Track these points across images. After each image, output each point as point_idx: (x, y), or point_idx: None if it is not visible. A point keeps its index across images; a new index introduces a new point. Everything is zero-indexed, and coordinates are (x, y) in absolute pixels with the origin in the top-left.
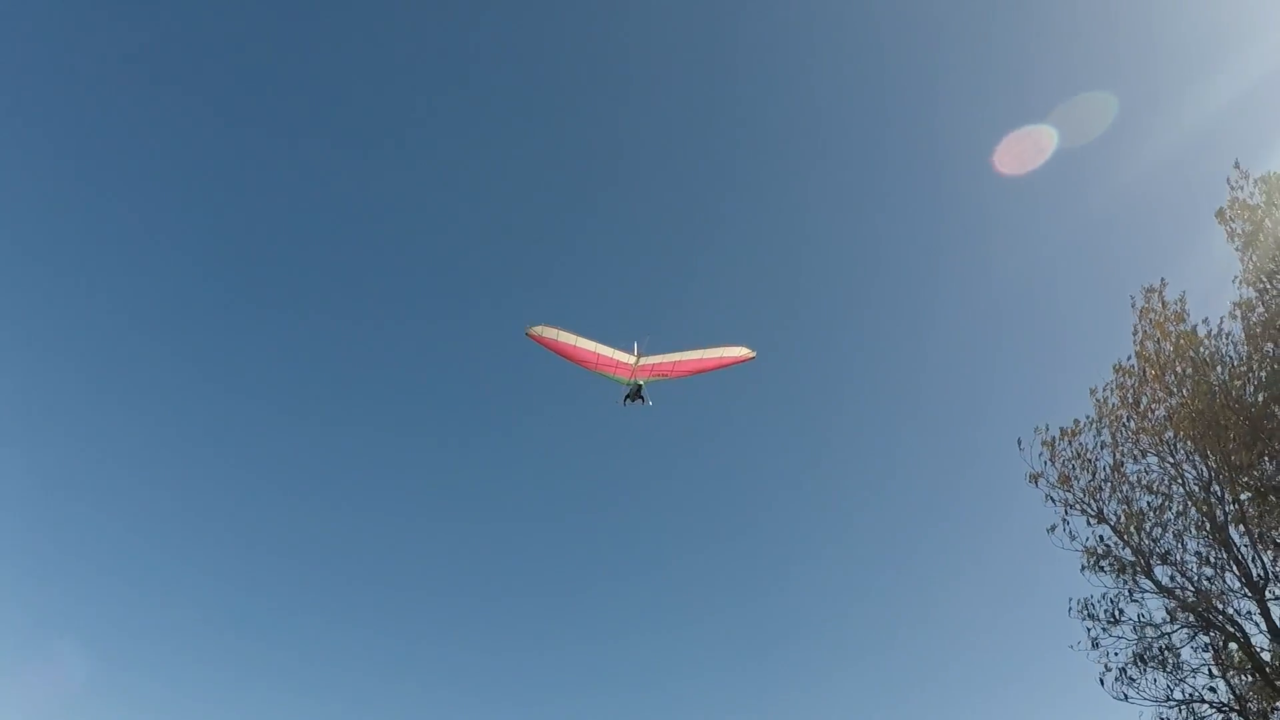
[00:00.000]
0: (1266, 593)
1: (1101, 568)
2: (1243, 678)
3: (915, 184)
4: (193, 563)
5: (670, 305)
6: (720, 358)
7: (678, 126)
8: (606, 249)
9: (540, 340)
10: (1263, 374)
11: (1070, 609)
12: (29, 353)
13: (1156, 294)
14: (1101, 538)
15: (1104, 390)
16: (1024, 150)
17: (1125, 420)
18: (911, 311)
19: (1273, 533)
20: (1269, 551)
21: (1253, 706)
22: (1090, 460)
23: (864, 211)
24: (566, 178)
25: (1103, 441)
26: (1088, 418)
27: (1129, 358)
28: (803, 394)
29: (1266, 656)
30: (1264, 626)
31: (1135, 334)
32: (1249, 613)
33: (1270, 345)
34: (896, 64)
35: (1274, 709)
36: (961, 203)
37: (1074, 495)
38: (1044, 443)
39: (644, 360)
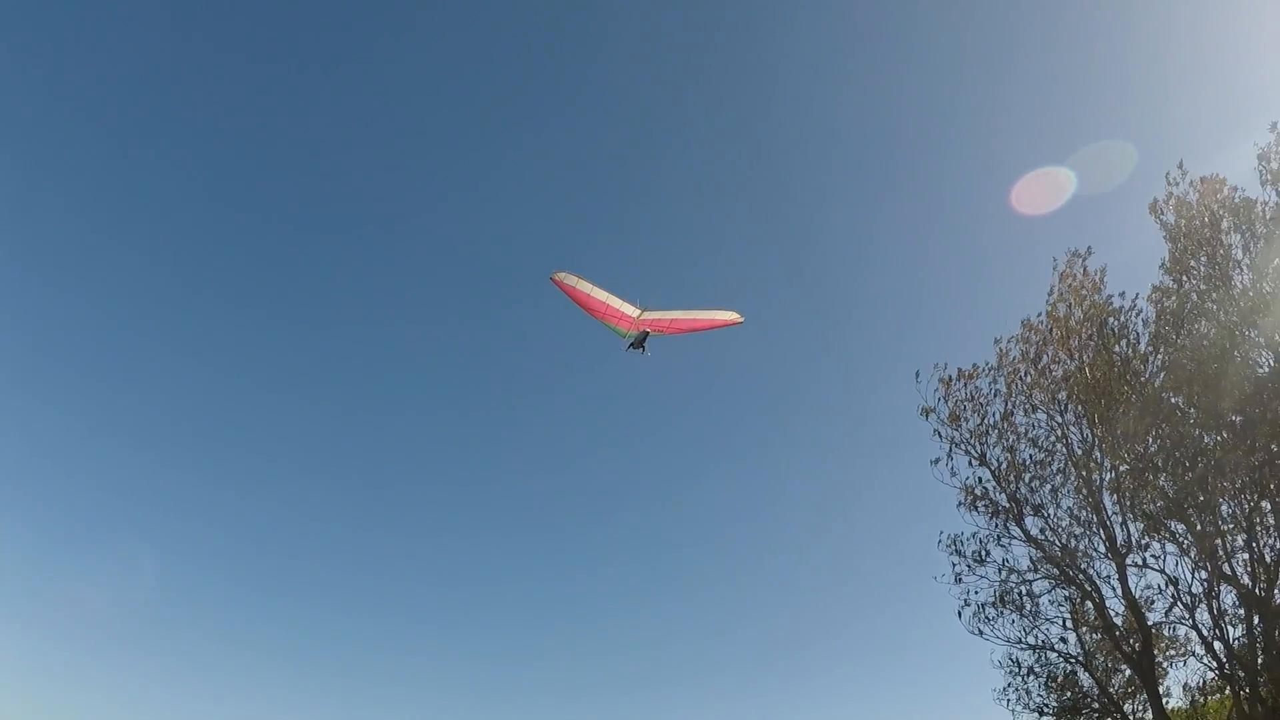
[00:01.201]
0: (1128, 560)
1: (976, 508)
2: (1093, 636)
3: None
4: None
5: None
6: (712, 319)
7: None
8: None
9: (562, 285)
10: (1162, 359)
11: (940, 541)
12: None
13: (1080, 260)
14: (981, 479)
15: (1008, 341)
16: (1041, 190)
17: (1023, 374)
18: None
19: (1143, 504)
20: (1137, 522)
21: (1098, 664)
22: (982, 405)
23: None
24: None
25: (998, 390)
26: (986, 363)
27: (1039, 315)
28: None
29: (1119, 620)
30: (1120, 591)
31: (1050, 294)
32: (1108, 576)
33: (1174, 333)
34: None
35: (1118, 669)
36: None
37: (961, 435)
38: (941, 380)
39: (645, 315)
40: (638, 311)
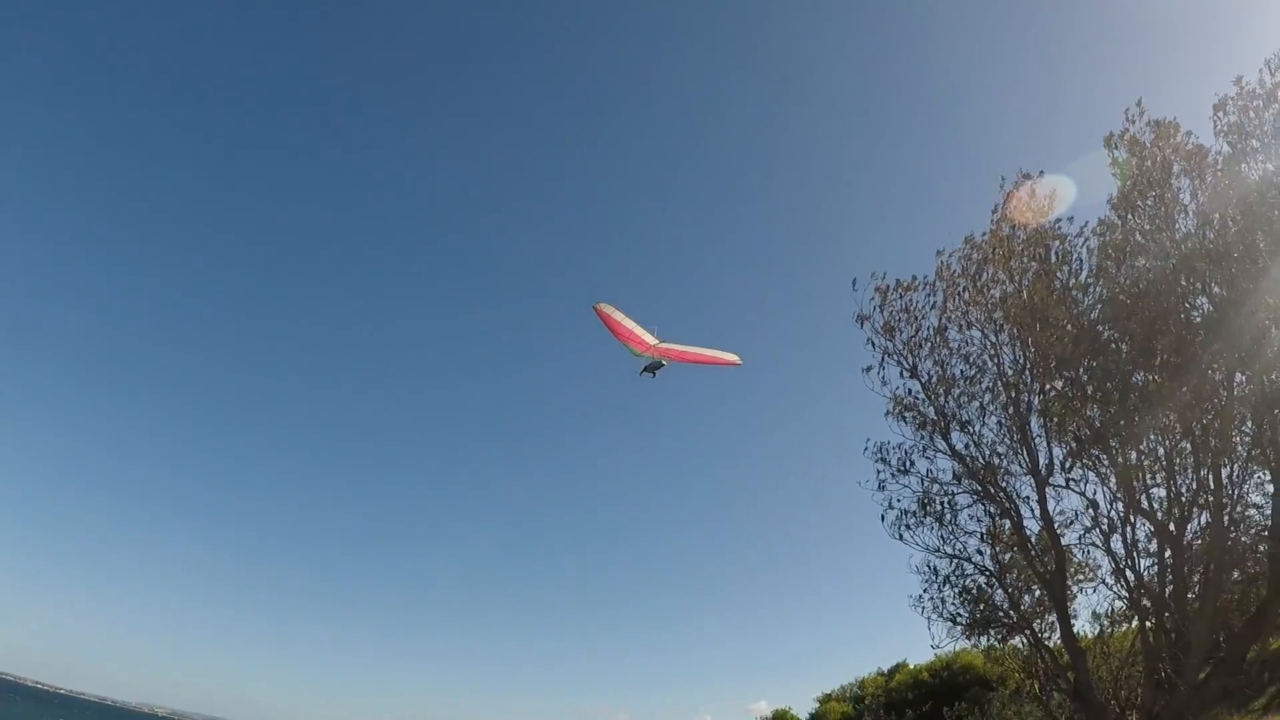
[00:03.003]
0: (1048, 482)
1: (904, 418)
2: (1008, 553)
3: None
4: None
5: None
6: (716, 357)
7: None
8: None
9: (601, 313)
10: (1101, 290)
11: (866, 448)
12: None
13: (1029, 183)
14: (911, 390)
15: (949, 255)
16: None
17: (961, 290)
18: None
19: (1069, 429)
20: (1061, 445)
21: (1011, 580)
22: (917, 317)
23: None
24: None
25: (934, 303)
26: (925, 277)
27: (983, 233)
28: None
29: (1034, 540)
30: (1038, 513)
31: (994, 213)
32: (1028, 497)
33: (1114, 267)
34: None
35: (1030, 588)
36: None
37: (894, 345)
38: (878, 289)
39: (661, 344)
40: (655, 340)
